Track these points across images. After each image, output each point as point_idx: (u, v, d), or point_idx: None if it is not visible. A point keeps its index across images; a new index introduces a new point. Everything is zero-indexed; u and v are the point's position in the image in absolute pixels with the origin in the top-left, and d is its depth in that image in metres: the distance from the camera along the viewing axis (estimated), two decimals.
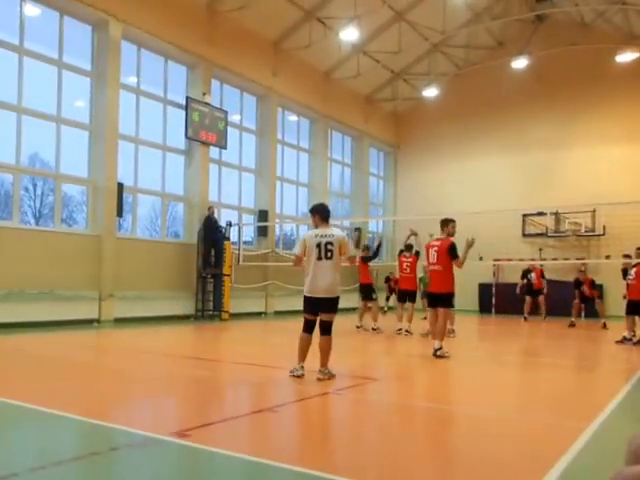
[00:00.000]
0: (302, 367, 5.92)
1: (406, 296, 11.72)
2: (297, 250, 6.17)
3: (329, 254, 5.85)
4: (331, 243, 5.85)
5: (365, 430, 4.27)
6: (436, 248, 8.20)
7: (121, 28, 13.29)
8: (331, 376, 5.88)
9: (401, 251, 11.98)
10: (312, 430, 4.30)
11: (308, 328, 6.02)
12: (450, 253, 8.00)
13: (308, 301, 5.99)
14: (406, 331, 11.42)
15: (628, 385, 6.16)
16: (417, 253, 11.42)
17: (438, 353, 7.84)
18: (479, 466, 3.28)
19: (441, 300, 8.18)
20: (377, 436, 4.06)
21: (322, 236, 5.91)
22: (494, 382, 6.68)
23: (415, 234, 11.46)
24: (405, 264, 11.61)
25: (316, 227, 6.06)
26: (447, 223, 8.33)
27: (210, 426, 4.00)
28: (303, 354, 5.95)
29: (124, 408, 4.81)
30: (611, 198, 16.57)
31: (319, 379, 5.82)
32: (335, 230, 6.07)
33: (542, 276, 16.28)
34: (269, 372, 6.81)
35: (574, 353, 10.27)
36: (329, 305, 5.92)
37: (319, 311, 5.96)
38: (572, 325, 14.20)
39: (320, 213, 5.99)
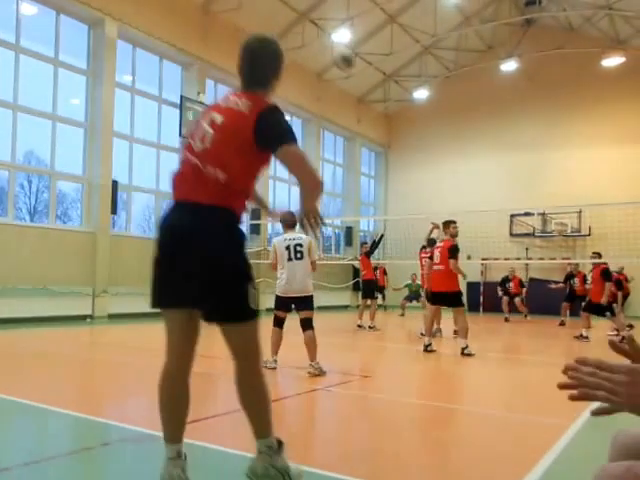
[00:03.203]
0: (275, 360, 6.23)
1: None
2: (271, 257, 6.52)
3: (299, 255, 6.20)
4: (300, 245, 6.22)
5: (356, 426, 4.31)
6: (440, 249, 8.53)
7: (117, 27, 13.43)
8: (321, 371, 6.05)
9: (422, 247, 11.42)
10: (303, 426, 4.29)
11: (278, 324, 6.37)
12: (449, 253, 8.33)
13: (280, 300, 6.35)
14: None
15: None
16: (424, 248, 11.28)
17: (465, 352, 7.91)
18: (467, 462, 3.33)
19: (450, 300, 8.45)
20: (367, 432, 4.09)
21: (291, 239, 6.28)
22: (485, 379, 6.79)
23: (437, 227, 11.25)
24: (425, 260, 11.12)
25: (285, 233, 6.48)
26: (448, 225, 8.69)
27: (202, 422, 3.96)
28: (275, 348, 6.28)
29: (117, 403, 4.79)
30: (597, 199, 16.91)
31: (310, 373, 6.01)
32: (303, 235, 6.37)
33: (521, 284, 16.77)
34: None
35: (557, 350, 10.51)
36: (305, 303, 6.24)
37: (298, 310, 6.29)
38: (562, 324, 14.46)
39: (286, 222, 6.32)
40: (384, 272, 18.48)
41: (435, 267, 8.54)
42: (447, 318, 10.83)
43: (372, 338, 10.96)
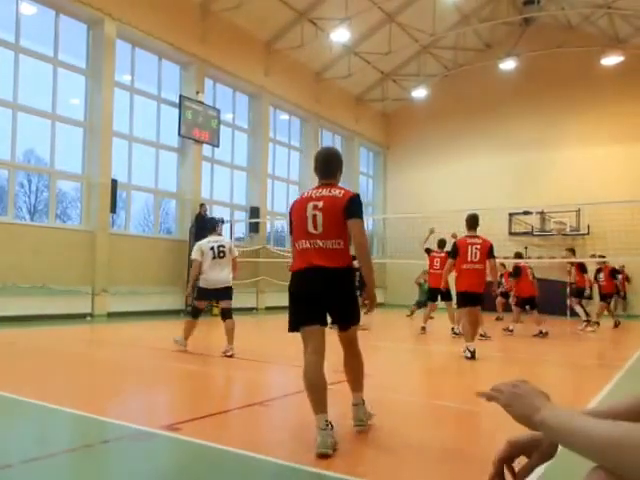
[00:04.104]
0: (186, 344, 7.53)
1: (437, 295, 11.15)
2: (195, 255, 7.54)
3: (222, 254, 7.47)
4: (223, 246, 7.52)
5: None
6: (478, 246, 7.68)
7: (116, 27, 13.46)
8: (233, 353, 7.06)
9: (428, 250, 11.55)
10: (302, 424, 4.22)
11: (197, 314, 7.65)
12: (490, 254, 7.73)
13: (204, 292, 7.55)
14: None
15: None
16: (427, 251, 11.46)
17: (476, 355, 7.33)
18: (468, 462, 3.35)
19: (480, 300, 7.75)
20: (367, 430, 3.98)
21: (214, 242, 7.56)
22: (482, 377, 6.85)
23: (433, 232, 11.53)
24: (436, 260, 11.19)
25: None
26: (477, 220, 7.94)
27: (201, 420, 4.01)
28: (189, 333, 7.57)
29: (116, 401, 4.83)
30: (596, 198, 16.94)
31: (225, 353, 7.04)
32: (226, 239, 7.89)
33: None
34: (260, 366, 6.89)
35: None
36: (226, 293, 7.54)
37: (219, 300, 7.73)
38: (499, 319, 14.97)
39: (213, 229, 7.83)
40: None
41: (473, 266, 7.64)
42: (439, 316, 10.86)
43: (371, 338, 10.98)
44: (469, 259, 7.65)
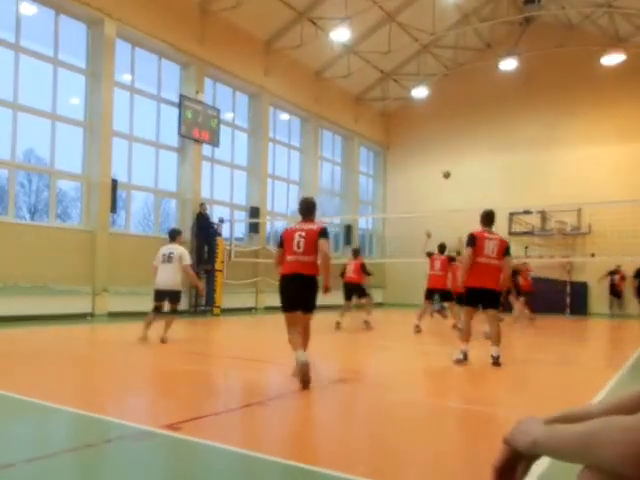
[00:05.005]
0: (147, 335, 8.40)
1: (434, 295, 11.63)
2: (154, 261, 8.75)
3: (169, 259, 8.64)
4: (172, 253, 8.66)
5: (354, 424, 4.35)
6: (497, 242, 7.18)
7: (116, 27, 13.46)
8: (166, 340, 8.30)
9: (429, 253, 11.78)
10: (302, 423, 4.30)
11: (156, 310, 8.72)
12: (506, 249, 7.26)
13: (155, 292, 8.73)
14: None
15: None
16: (429, 254, 11.71)
17: (500, 360, 6.85)
18: (468, 462, 3.36)
19: (496, 299, 7.25)
20: (367, 430, 4.11)
21: (167, 249, 8.76)
22: (481, 377, 6.83)
23: (430, 236, 11.88)
24: (436, 262, 11.53)
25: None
26: (493, 217, 7.44)
27: (201, 419, 4.03)
28: (148, 325, 8.47)
29: (117, 401, 4.85)
30: (596, 197, 16.96)
31: (163, 340, 8.25)
32: (179, 248, 8.84)
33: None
34: (259, 366, 6.90)
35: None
36: (173, 296, 8.71)
37: (168, 301, 8.72)
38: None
39: (172, 239, 8.98)
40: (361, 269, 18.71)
41: (488, 260, 7.10)
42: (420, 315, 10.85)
43: (370, 337, 11.00)
44: (485, 252, 7.09)
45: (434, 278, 11.54)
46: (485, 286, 7.06)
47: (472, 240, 7.19)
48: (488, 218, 7.37)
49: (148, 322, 8.53)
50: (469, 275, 7.19)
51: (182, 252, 8.76)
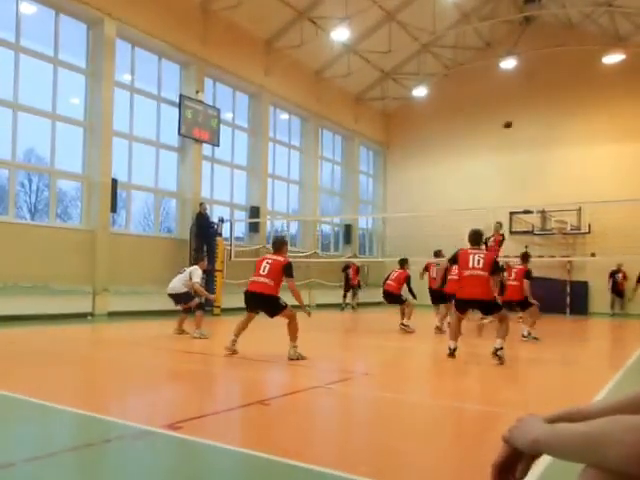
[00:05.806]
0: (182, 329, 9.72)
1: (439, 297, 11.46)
2: None
3: (179, 273, 9.83)
4: (184, 269, 9.89)
5: (356, 424, 4.35)
6: (482, 255, 7.46)
7: (116, 26, 13.46)
8: (187, 333, 9.49)
9: (426, 267, 12.36)
10: (303, 423, 4.29)
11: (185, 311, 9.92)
12: (495, 267, 7.53)
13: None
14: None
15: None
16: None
17: (499, 353, 7.01)
18: (468, 461, 3.36)
19: (489, 307, 7.51)
20: (368, 430, 4.12)
21: (186, 267, 9.99)
22: (482, 377, 6.85)
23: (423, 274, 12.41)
24: (432, 268, 11.98)
25: None
26: (480, 236, 7.88)
27: (202, 418, 4.04)
28: (181, 322, 9.80)
29: (117, 400, 4.86)
30: (597, 197, 16.94)
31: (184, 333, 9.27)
32: (191, 268, 9.75)
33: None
34: (260, 365, 6.91)
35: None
36: (177, 298, 9.68)
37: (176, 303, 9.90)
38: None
39: (195, 262, 10.29)
40: (357, 271, 19.02)
41: (473, 272, 7.36)
42: (424, 315, 10.87)
43: (370, 337, 10.99)
44: (470, 265, 7.36)
45: (433, 282, 11.66)
46: (474, 297, 7.35)
47: (454, 258, 7.73)
48: (474, 237, 7.77)
49: (180, 320, 9.82)
50: (458, 287, 7.68)
51: (193, 271, 9.68)
